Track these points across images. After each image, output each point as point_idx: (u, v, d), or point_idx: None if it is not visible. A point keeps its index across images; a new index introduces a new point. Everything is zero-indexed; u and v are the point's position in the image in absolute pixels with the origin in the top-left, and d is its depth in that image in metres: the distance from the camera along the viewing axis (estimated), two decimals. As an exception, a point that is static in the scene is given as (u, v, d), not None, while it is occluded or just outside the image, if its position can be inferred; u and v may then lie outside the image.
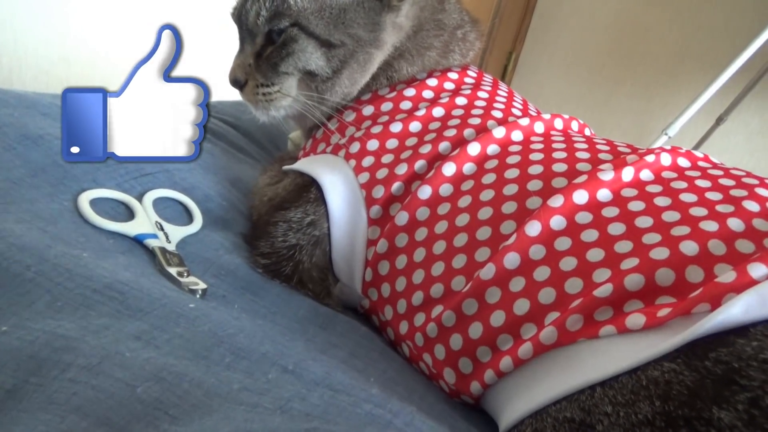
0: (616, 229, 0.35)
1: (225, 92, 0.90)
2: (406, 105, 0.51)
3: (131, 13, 1.11)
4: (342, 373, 0.34)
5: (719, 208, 0.34)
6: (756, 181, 0.37)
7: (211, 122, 0.71)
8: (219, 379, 0.29)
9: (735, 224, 0.33)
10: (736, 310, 0.27)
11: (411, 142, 0.47)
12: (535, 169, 0.41)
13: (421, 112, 0.49)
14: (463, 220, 0.41)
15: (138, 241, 0.42)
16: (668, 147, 0.41)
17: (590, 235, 0.35)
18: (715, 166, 0.41)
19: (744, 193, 0.35)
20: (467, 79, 0.54)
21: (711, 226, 0.33)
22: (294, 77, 0.51)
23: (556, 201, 0.37)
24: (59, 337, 0.29)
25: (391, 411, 0.31)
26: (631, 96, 2.11)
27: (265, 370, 0.31)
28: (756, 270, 0.29)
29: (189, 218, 0.49)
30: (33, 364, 0.28)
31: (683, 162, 0.41)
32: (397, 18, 0.51)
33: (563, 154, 0.42)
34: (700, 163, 0.41)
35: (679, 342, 0.28)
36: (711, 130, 1.68)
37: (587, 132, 0.52)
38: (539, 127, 0.47)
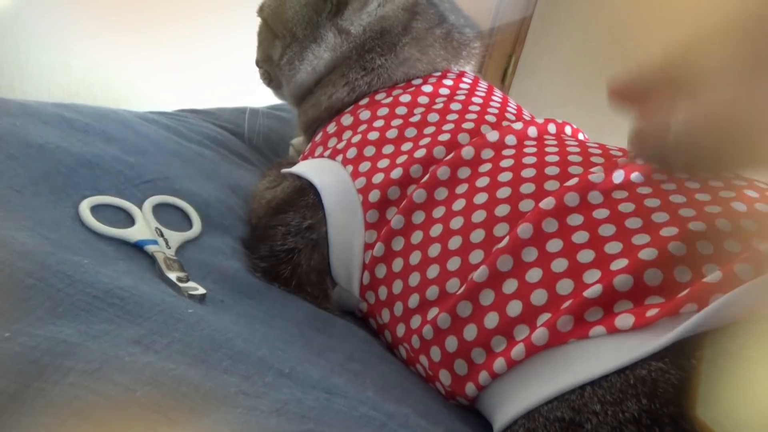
0: (606, 230, 0.35)
1: (225, 99, 0.91)
2: (401, 110, 0.51)
3: (131, 20, 1.12)
4: (338, 377, 0.34)
5: (708, 209, 0.35)
6: (744, 183, 0.38)
7: (211, 129, 0.72)
8: (216, 383, 0.30)
9: (722, 224, 0.33)
10: (720, 311, 0.28)
11: (406, 146, 0.48)
12: (528, 173, 0.42)
13: (416, 118, 0.50)
14: (457, 223, 0.42)
15: (138, 247, 0.43)
16: None
17: (581, 237, 0.36)
18: None
19: (732, 194, 0.36)
20: (462, 85, 0.55)
21: (699, 226, 0.33)
22: (267, 62, 0.63)
23: (548, 204, 0.38)
24: (60, 343, 0.30)
25: (386, 413, 0.32)
26: (631, 98, 2.11)
27: (263, 374, 0.32)
28: (742, 269, 0.29)
29: (188, 224, 0.49)
30: (35, 369, 0.28)
31: None
32: (341, 21, 0.56)
33: (555, 158, 0.43)
34: None
35: (666, 342, 0.28)
36: (710, 131, 1.69)
37: (580, 136, 0.52)
38: (532, 132, 0.48)
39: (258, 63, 0.66)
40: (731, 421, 0.25)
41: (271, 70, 0.64)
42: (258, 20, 0.64)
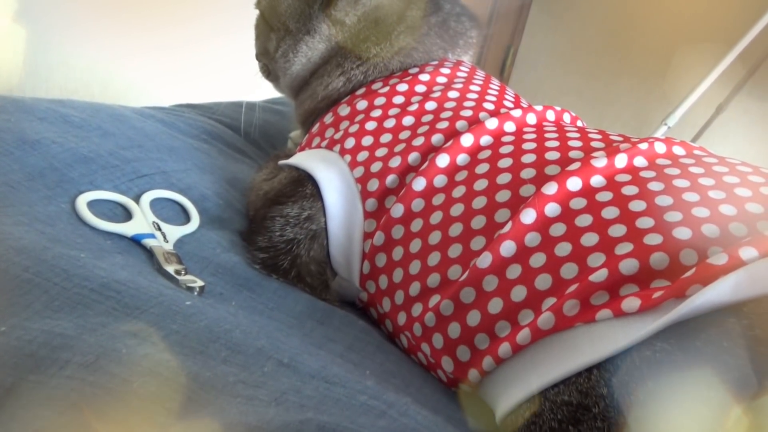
0: (610, 213, 0.35)
1: (221, 93, 0.90)
2: (398, 99, 0.51)
3: (130, 19, 1.11)
4: (338, 367, 0.34)
5: (711, 193, 0.34)
6: (750, 170, 0.38)
7: (208, 123, 0.72)
8: (215, 373, 0.29)
9: (727, 209, 0.33)
10: (725, 289, 0.27)
11: (404, 135, 0.48)
12: (528, 158, 0.42)
13: (413, 107, 0.50)
14: (457, 210, 0.41)
15: (135, 241, 0.43)
16: (663, 138, 0.42)
17: (584, 220, 0.36)
18: (710, 155, 0.41)
19: (736, 180, 0.36)
20: (459, 74, 0.55)
21: (703, 212, 0.33)
22: (264, 56, 0.63)
23: (550, 188, 0.37)
24: (57, 336, 0.29)
25: (386, 402, 0.31)
26: (630, 87, 2.11)
27: (261, 364, 0.32)
28: (747, 253, 0.29)
29: (186, 218, 0.49)
30: (31, 362, 0.28)
31: (678, 150, 0.41)
32: (335, 12, 0.56)
33: (556, 143, 0.43)
34: (696, 152, 0.42)
35: (669, 320, 0.28)
36: (711, 119, 1.68)
37: (579, 124, 0.52)
38: (531, 119, 0.48)
39: (257, 56, 0.66)
40: None
41: (268, 63, 0.64)
42: (256, 14, 0.64)
